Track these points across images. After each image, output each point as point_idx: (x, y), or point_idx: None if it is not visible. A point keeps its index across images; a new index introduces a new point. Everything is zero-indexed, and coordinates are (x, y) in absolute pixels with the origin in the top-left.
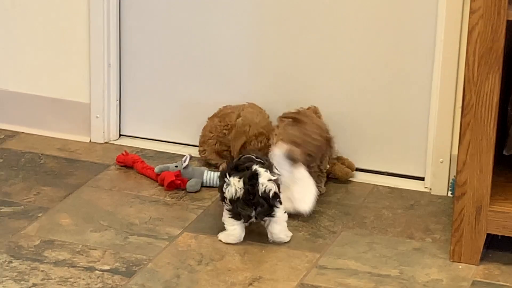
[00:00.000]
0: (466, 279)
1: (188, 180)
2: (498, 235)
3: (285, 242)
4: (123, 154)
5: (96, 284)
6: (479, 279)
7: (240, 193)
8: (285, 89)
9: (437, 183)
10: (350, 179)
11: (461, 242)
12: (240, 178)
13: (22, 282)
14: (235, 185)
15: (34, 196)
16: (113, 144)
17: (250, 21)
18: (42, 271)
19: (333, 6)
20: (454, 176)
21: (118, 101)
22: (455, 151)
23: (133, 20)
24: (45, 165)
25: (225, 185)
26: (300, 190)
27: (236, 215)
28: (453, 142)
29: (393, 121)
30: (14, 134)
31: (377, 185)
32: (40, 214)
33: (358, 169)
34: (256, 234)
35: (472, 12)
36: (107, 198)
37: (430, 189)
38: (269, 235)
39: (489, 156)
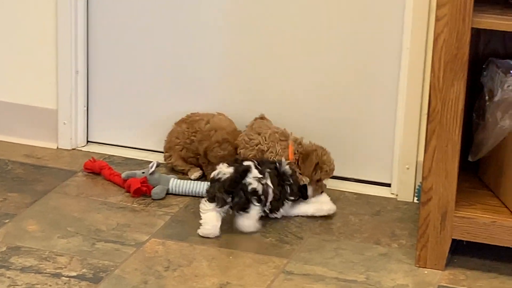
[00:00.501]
0: (432, 284)
1: (154, 187)
2: (463, 241)
3: (252, 248)
4: (90, 161)
5: None
6: (444, 284)
7: (223, 176)
8: (254, 98)
9: (403, 189)
10: None
11: (427, 248)
12: (229, 165)
13: None
14: (221, 169)
15: (0, 203)
16: (81, 150)
17: (220, 29)
18: (9, 277)
19: (301, 16)
20: (420, 182)
21: (86, 108)
22: (421, 158)
23: (101, 26)
24: (11, 172)
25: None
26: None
27: (211, 197)
28: (419, 148)
29: (360, 128)
30: None
31: (344, 191)
32: (6, 221)
33: None
34: (224, 240)
35: (437, 19)
36: (74, 205)
37: (397, 195)
38: (237, 225)
39: (455, 162)
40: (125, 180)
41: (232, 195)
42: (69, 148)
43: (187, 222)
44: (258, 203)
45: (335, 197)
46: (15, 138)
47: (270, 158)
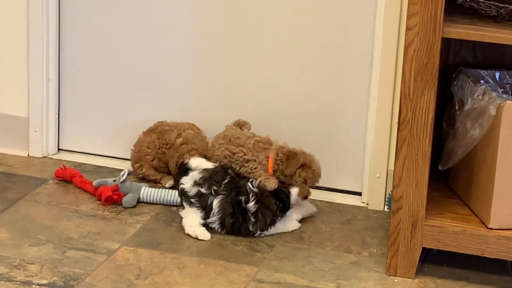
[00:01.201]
0: None
1: (125, 195)
2: (433, 249)
3: (223, 256)
4: (61, 169)
5: None
6: None
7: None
8: (224, 105)
9: (374, 198)
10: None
11: (397, 256)
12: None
13: None
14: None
15: None
16: (52, 158)
17: (190, 36)
18: None
19: (271, 20)
20: (391, 191)
21: (57, 116)
22: (391, 166)
23: (73, 34)
24: None
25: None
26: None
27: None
28: (389, 157)
29: (331, 136)
30: None
31: (315, 199)
32: None
33: None
34: (194, 248)
35: (408, 29)
36: (45, 213)
37: (367, 204)
38: None
39: (425, 171)
40: (96, 188)
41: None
42: (40, 156)
43: (158, 230)
44: (188, 206)
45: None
46: None
47: (253, 167)
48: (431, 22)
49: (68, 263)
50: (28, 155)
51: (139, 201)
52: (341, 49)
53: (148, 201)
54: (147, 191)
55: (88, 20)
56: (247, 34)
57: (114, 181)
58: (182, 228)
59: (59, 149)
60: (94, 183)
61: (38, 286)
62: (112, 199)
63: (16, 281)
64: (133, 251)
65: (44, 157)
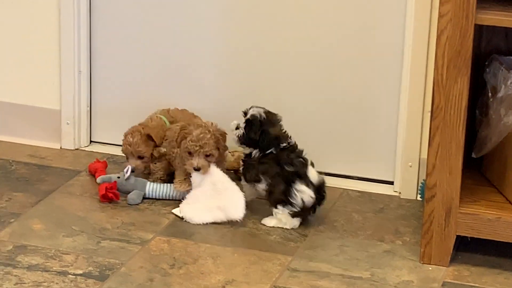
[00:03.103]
0: (437, 280)
1: (130, 192)
2: (467, 237)
3: (256, 246)
4: (93, 163)
5: None
6: (449, 280)
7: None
8: (256, 95)
9: (406, 187)
10: None
11: (431, 244)
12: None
13: None
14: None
15: (5, 202)
16: (84, 150)
17: (221, 28)
18: (15, 275)
19: (300, 15)
20: (423, 179)
21: (89, 108)
22: (423, 155)
23: (104, 26)
24: (16, 172)
25: (298, 192)
26: (228, 198)
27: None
28: (421, 146)
29: (362, 125)
30: None
31: (346, 189)
32: (12, 220)
33: (328, 174)
34: (228, 238)
35: (441, 16)
36: (78, 204)
37: (400, 193)
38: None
39: (458, 158)
40: (99, 184)
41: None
42: (72, 148)
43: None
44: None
45: (338, 194)
46: (19, 139)
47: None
48: (464, 9)
49: (102, 253)
50: (60, 148)
51: (144, 198)
52: (372, 38)
53: (154, 197)
54: (152, 187)
55: (119, 12)
56: (274, 28)
57: (118, 177)
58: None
59: (91, 141)
60: (98, 179)
61: (73, 276)
62: (107, 197)
63: (52, 271)
64: (167, 241)
65: (76, 149)
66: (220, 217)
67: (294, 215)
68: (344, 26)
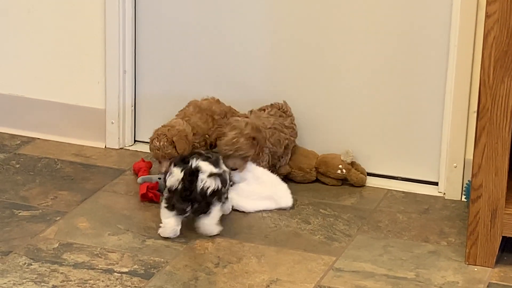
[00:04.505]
0: (482, 281)
1: None
2: None
3: (301, 246)
4: (139, 162)
5: (115, 286)
6: (495, 282)
7: (178, 185)
8: (302, 91)
9: (451, 188)
10: (364, 184)
11: (477, 245)
12: (182, 170)
13: (42, 284)
14: (176, 176)
15: (51, 201)
16: (128, 149)
17: (264, 32)
18: (62, 273)
19: (347, 15)
20: (468, 180)
21: (133, 107)
22: (469, 156)
23: (148, 26)
24: (61, 170)
25: (168, 173)
26: (275, 187)
27: (170, 206)
28: (467, 146)
29: (407, 126)
30: (29, 140)
31: (391, 189)
32: (57, 218)
33: (372, 174)
34: (272, 238)
35: (487, 16)
36: (123, 202)
37: (444, 193)
38: (198, 227)
39: (505, 159)
40: (140, 184)
41: (191, 201)
42: (117, 147)
43: (235, 220)
44: (219, 201)
45: (383, 195)
46: (64, 138)
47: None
48: (511, 9)
49: (148, 252)
50: (105, 147)
51: None
52: (418, 38)
53: None
54: None
55: (164, 11)
56: (320, 25)
57: (159, 178)
58: (259, 218)
59: (135, 141)
60: (139, 179)
61: (119, 274)
62: (148, 197)
63: (98, 269)
64: (211, 240)
65: (121, 148)
66: (270, 205)
67: (168, 205)
68: (390, 27)
